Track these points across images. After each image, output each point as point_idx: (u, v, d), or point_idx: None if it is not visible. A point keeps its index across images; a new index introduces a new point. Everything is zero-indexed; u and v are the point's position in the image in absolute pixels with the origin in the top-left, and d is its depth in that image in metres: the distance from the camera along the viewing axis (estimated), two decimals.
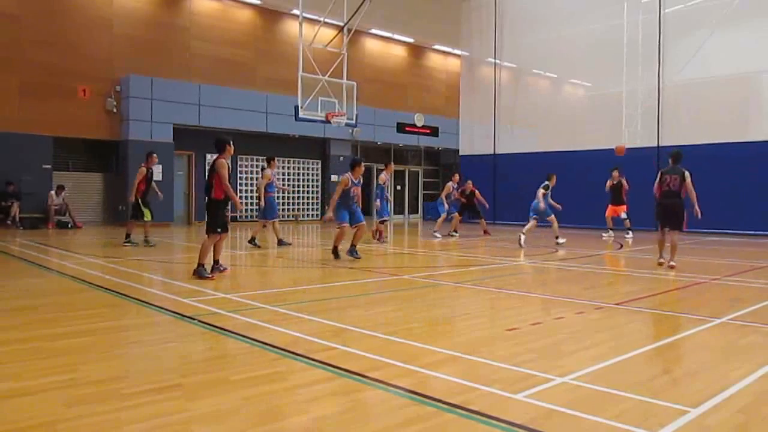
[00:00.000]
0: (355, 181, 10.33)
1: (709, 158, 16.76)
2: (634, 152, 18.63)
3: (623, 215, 15.41)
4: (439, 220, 15.94)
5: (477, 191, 16.75)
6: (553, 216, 13.90)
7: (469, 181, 17.01)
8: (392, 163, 17.09)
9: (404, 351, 4.25)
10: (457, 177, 16.59)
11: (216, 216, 8.04)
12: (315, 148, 24.16)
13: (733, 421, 3.01)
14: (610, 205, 15.59)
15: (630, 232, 15.38)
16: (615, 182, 15.42)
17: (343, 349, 4.29)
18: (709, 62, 17.29)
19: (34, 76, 17.85)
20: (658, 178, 9.50)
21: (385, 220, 14.58)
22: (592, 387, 3.46)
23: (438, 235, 15.27)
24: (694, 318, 5.56)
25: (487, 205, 16.87)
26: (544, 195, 13.92)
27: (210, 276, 7.77)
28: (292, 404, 3.21)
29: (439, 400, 3.20)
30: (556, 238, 13.81)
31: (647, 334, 5.21)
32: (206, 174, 8.45)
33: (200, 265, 7.83)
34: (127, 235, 12.37)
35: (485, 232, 16.45)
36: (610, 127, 19.79)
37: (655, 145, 18.39)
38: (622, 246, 13.40)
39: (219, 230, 7.96)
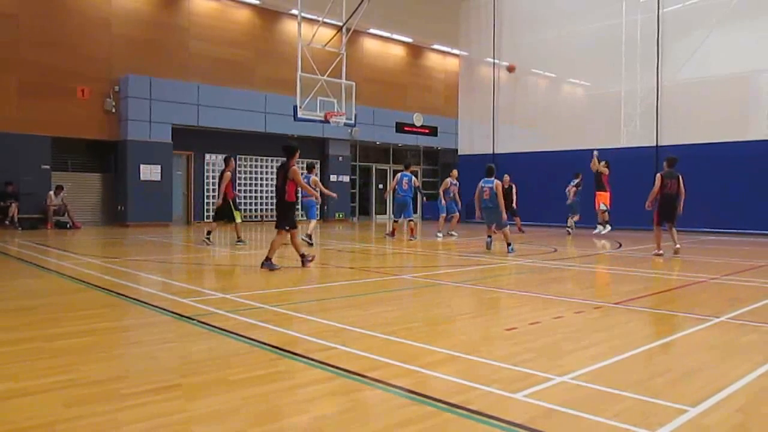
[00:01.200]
0: None
1: (707, 158, 16.78)
2: (634, 152, 18.65)
3: (602, 206, 15.40)
4: (440, 220, 15.91)
5: (515, 186, 16.96)
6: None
7: (507, 176, 17.06)
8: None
9: (404, 351, 4.25)
10: (455, 172, 16.34)
11: (288, 216, 8.93)
12: (314, 148, 24.15)
13: (732, 420, 3.01)
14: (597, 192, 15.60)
15: (601, 227, 15.41)
16: (594, 170, 15.43)
17: (343, 348, 4.29)
18: (707, 62, 17.30)
19: (32, 76, 17.84)
20: (660, 182, 10.54)
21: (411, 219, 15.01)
22: (592, 386, 3.46)
23: (439, 235, 15.27)
24: (693, 317, 5.56)
25: (514, 206, 16.81)
26: (575, 192, 16.05)
27: (278, 267, 8.69)
28: (291, 404, 3.21)
29: (439, 400, 3.20)
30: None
31: (646, 333, 5.21)
32: (277, 178, 9.02)
33: (268, 258, 8.70)
34: (209, 233, 13.00)
35: (519, 229, 16.96)
36: (609, 126, 19.82)
37: (654, 144, 18.41)
38: (621, 245, 13.41)
39: (287, 228, 8.88)
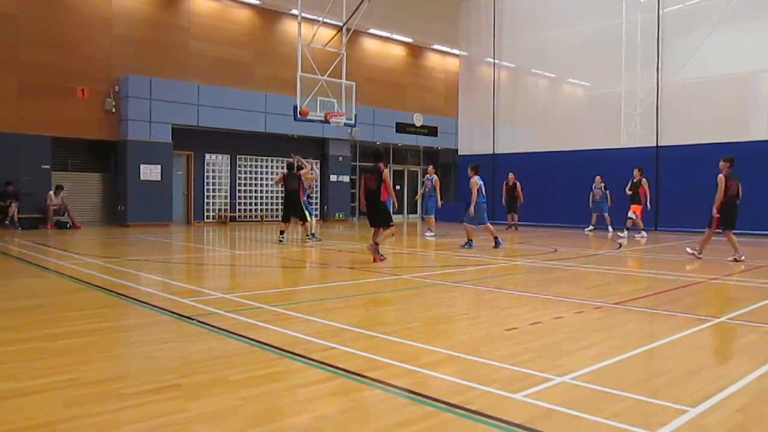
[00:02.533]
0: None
1: (707, 158, 16.72)
2: (634, 152, 18.65)
3: (631, 214, 15.29)
4: (431, 218, 15.90)
5: (519, 184, 17.65)
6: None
7: (511, 174, 17.68)
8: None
9: (403, 351, 4.26)
10: (431, 168, 16.18)
11: (388, 213, 10.07)
12: (314, 148, 24.16)
13: (731, 420, 3.01)
14: (631, 205, 15.46)
15: (626, 232, 15.40)
16: (635, 180, 15.30)
17: (343, 348, 4.29)
18: (707, 62, 17.30)
19: (32, 76, 17.83)
20: (725, 183, 9.86)
21: None
22: (591, 386, 3.46)
23: (430, 234, 15.29)
24: (693, 317, 5.56)
25: (521, 200, 18.07)
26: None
27: (384, 257, 9.74)
28: (291, 404, 3.22)
29: (439, 400, 3.21)
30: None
31: (646, 333, 5.21)
32: (366, 181, 9.91)
33: (377, 244, 9.73)
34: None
35: (515, 227, 17.89)
36: (609, 126, 19.82)
37: (654, 144, 18.41)
38: (621, 246, 13.42)
39: (392, 223, 9.99)
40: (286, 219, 13.88)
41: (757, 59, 16.77)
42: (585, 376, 3.65)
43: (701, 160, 16.63)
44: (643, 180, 15.26)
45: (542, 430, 2.82)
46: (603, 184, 17.01)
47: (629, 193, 15.43)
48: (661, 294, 7.06)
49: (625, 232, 15.64)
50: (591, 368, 3.82)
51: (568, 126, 20.86)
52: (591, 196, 17.22)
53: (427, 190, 15.77)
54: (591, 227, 17.37)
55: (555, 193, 19.99)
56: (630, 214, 15.36)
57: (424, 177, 16.26)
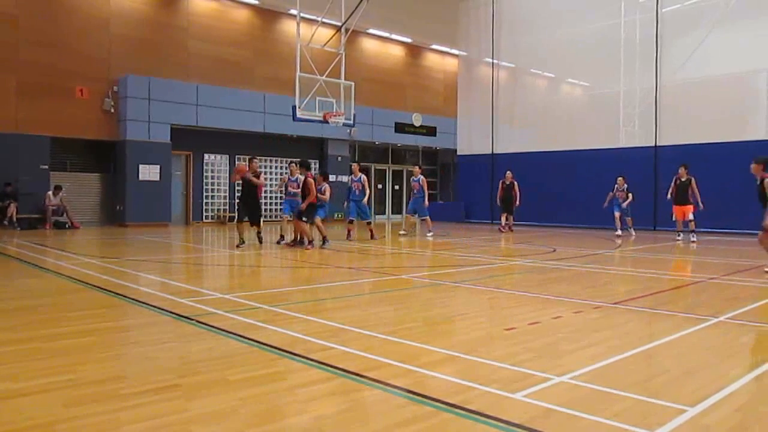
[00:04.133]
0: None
1: (707, 158, 16.78)
2: (633, 152, 18.67)
3: (690, 216, 14.23)
4: (426, 219, 15.72)
5: (516, 183, 17.30)
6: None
7: (509, 172, 17.49)
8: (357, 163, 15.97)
9: (403, 351, 4.26)
10: (417, 169, 15.81)
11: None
12: (313, 148, 24.15)
13: (731, 419, 3.02)
14: (675, 206, 14.44)
15: (694, 236, 14.30)
16: (683, 180, 14.26)
17: (342, 349, 4.29)
18: (706, 62, 17.31)
19: (31, 77, 17.82)
20: None
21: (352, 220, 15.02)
22: (591, 386, 3.47)
23: (429, 236, 15.24)
24: (692, 317, 5.57)
25: (517, 202, 17.46)
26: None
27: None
28: (290, 404, 3.22)
29: (438, 400, 3.21)
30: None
31: (645, 333, 5.22)
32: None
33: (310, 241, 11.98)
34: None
35: (509, 228, 17.41)
36: (608, 126, 19.84)
37: (653, 144, 18.43)
38: (620, 246, 13.42)
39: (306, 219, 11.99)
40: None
41: (756, 59, 16.78)
42: (584, 376, 3.65)
43: (701, 160, 16.64)
44: (692, 179, 14.12)
45: (542, 430, 2.82)
46: (626, 186, 15.91)
47: (672, 195, 14.35)
48: (661, 294, 7.06)
49: (694, 236, 14.28)
50: (590, 368, 3.83)
51: (567, 126, 20.87)
52: (610, 199, 16.02)
53: (415, 191, 15.62)
54: (634, 230, 16.25)
55: (554, 193, 20.01)
56: (689, 216, 14.19)
57: (410, 178, 16.02)
